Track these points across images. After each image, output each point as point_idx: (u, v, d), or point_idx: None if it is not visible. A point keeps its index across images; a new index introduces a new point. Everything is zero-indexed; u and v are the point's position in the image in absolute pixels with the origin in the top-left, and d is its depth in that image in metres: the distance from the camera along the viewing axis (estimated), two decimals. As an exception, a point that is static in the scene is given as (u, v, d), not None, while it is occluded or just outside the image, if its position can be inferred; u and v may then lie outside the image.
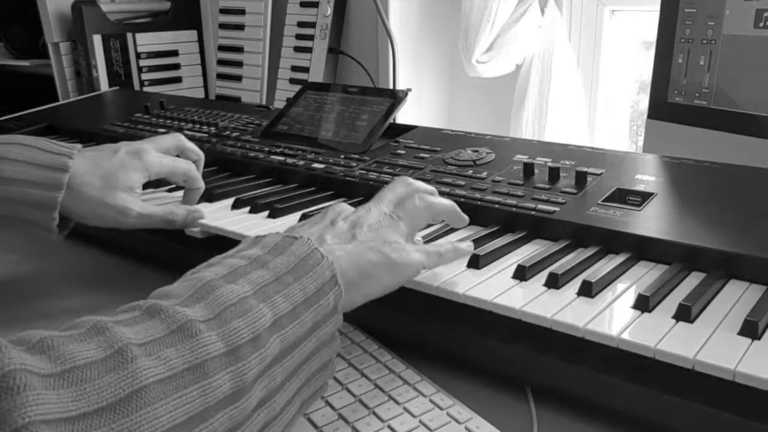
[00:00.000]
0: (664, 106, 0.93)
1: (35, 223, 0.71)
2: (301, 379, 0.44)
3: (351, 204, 0.58)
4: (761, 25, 0.82)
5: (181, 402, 0.34)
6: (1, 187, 0.69)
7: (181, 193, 0.82)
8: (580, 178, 0.72)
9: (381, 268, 0.51)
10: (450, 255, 0.59)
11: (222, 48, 1.62)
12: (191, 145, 0.82)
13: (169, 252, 0.81)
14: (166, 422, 0.33)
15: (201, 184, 0.80)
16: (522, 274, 0.59)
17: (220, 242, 0.73)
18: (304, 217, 0.74)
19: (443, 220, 0.66)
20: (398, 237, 0.55)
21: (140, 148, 0.76)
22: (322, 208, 0.77)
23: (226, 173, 0.94)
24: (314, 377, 0.46)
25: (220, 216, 0.77)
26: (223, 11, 1.62)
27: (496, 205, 0.70)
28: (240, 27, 1.58)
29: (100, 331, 0.35)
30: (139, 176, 0.74)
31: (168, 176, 0.78)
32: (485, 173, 0.78)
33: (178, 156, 0.80)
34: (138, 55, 1.65)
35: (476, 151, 0.84)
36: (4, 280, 0.82)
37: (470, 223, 0.72)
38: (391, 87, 1.39)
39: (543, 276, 0.58)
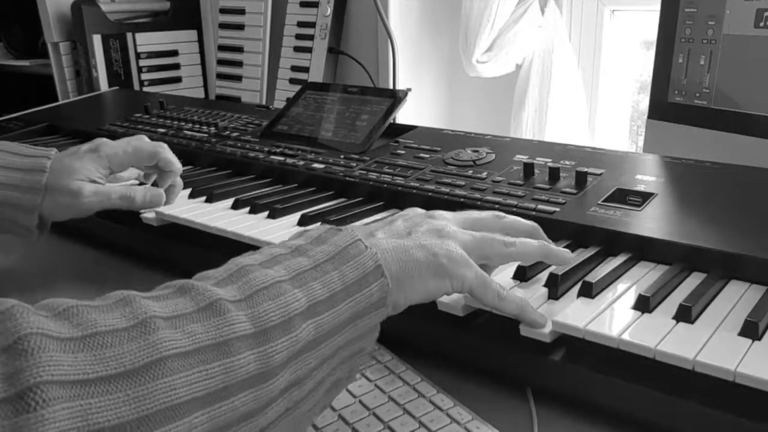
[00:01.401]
0: (665, 106, 0.93)
1: (17, 223, 0.73)
2: (332, 365, 0.42)
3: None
4: (761, 24, 0.82)
5: (201, 377, 0.34)
6: None
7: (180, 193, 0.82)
8: (581, 179, 0.72)
9: (427, 269, 0.47)
10: (512, 305, 0.52)
11: (222, 48, 1.62)
12: (168, 156, 0.80)
13: (168, 252, 0.81)
14: (183, 394, 0.33)
15: (175, 165, 0.80)
16: (522, 275, 0.59)
17: (222, 242, 0.73)
18: (303, 217, 0.74)
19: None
20: (459, 248, 0.50)
21: (100, 143, 0.78)
22: (322, 208, 0.77)
23: (226, 173, 0.94)
24: (347, 362, 0.44)
25: (219, 216, 0.77)
26: (223, 11, 1.61)
27: (496, 206, 0.70)
28: (240, 27, 1.58)
29: (127, 302, 0.36)
30: (96, 166, 0.75)
31: (136, 163, 0.79)
32: (485, 173, 0.78)
33: (155, 164, 0.80)
34: (138, 55, 1.65)
35: (476, 151, 0.84)
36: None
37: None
38: (391, 87, 1.39)
39: (543, 277, 0.58)
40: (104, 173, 0.76)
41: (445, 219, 0.53)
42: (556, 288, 0.56)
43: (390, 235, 0.49)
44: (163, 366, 0.33)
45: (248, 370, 0.36)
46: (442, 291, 0.49)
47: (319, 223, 0.70)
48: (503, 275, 0.60)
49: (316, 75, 1.45)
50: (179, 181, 0.82)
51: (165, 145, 0.80)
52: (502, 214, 0.58)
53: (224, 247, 0.72)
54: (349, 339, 0.43)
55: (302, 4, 1.49)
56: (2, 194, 0.71)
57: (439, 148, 0.87)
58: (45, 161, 0.73)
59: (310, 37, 1.47)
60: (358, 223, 0.52)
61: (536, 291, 0.56)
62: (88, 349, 0.32)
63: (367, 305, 0.43)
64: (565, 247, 0.64)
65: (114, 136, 1.06)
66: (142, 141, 0.79)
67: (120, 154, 0.77)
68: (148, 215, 0.79)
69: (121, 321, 0.34)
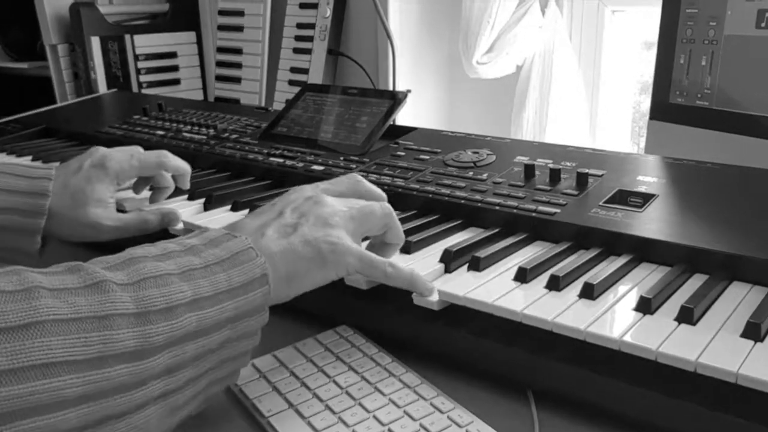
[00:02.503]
0: (666, 106, 0.92)
1: (19, 249, 0.71)
2: (212, 362, 0.45)
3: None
4: (763, 25, 0.82)
5: (78, 343, 0.37)
6: None
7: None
8: (582, 180, 0.72)
9: (312, 263, 0.52)
10: (400, 280, 0.56)
11: (221, 50, 1.62)
12: (176, 163, 0.80)
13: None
14: (59, 355, 0.36)
15: (184, 167, 0.80)
16: (523, 276, 0.58)
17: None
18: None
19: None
20: (343, 233, 0.54)
21: (104, 156, 0.75)
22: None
23: (225, 175, 0.94)
24: (227, 363, 0.47)
25: (218, 219, 0.76)
26: (222, 13, 1.61)
27: (497, 207, 0.70)
28: (239, 28, 1.58)
29: (16, 272, 0.39)
30: (106, 187, 0.74)
31: (140, 174, 0.78)
32: (486, 175, 0.78)
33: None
34: (136, 57, 1.65)
35: (476, 153, 0.83)
36: None
37: (471, 225, 0.72)
38: (390, 88, 1.39)
39: (544, 278, 0.58)
40: (113, 191, 0.75)
41: (331, 205, 0.56)
42: (557, 290, 0.56)
43: (279, 232, 0.52)
44: (41, 328, 0.36)
45: (126, 346, 0.39)
46: (329, 279, 0.53)
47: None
48: (504, 277, 0.59)
49: (316, 76, 1.45)
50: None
51: (167, 152, 0.79)
52: (358, 177, 0.62)
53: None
54: (229, 338, 0.46)
55: (302, 6, 1.49)
56: (3, 218, 0.69)
57: (439, 150, 0.87)
58: (47, 183, 0.71)
59: (310, 39, 1.47)
60: (250, 217, 0.55)
61: (537, 293, 0.56)
62: None
63: (249, 309, 0.47)
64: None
65: (112, 139, 1.06)
66: (143, 152, 0.78)
67: (127, 168, 0.76)
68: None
69: (7, 285, 0.37)
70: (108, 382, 0.38)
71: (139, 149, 0.79)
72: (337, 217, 0.55)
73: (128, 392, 0.39)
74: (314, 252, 0.52)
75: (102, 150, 0.77)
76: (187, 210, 0.79)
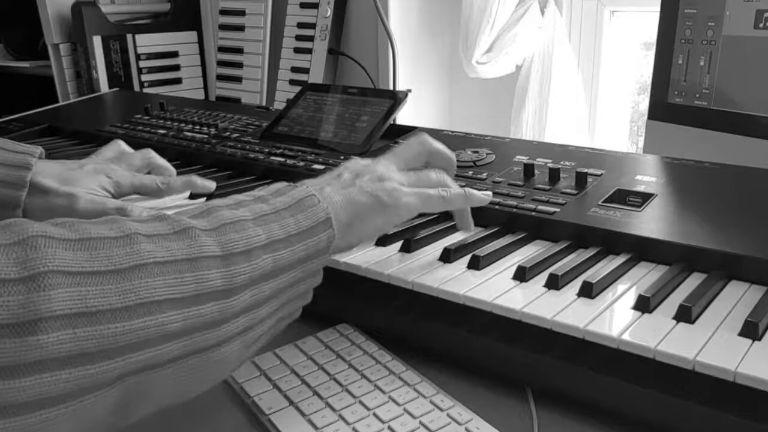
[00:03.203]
0: (665, 106, 0.93)
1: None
2: (282, 300, 0.48)
3: None
4: (761, 25, 0.82)
5: (176, 282, 0.40)
6: None
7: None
8: (581, 179, 0.72)
9: (372, 209, 0.55)
10: (458, 200, 0.62)
11: (222, 49, 1.62)
12: (162, 162, 0.85)
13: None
14: (162, 293, 0.39)
15: (169, 170, 0.84)
16: (522, 275, 0.59)
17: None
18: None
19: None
20: (396, 184, 0.58)
21: (109, 168, 0.79)
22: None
23: (226, 174, 0.94)
24: (294, 300, 0.50)
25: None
26: (223, 12, 1.62)
27: (497, 206, 0.70)
28: (240, 28, 1.58)
29: (114, 221, 0.41)
30: (98, 187, 0.76)
31: (136, 191, 0.81)
32: (485, 174, 0.78)
33: (149, 173, 0.83)
34: (138, 57, 1.65)
35: (476, 152, 0.84)
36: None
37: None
38: (391, 88, 1.39)
39: (543, 277, 0.58)
40: (103, 194, 0.76)
41: (386, 165, 0.60)
42: (557, 289, 0.56)
43: (338, 187, 0.56)
44: (144, 270, 0.39)
45: (214, 285, 0.42)
46: (391, 224, 0.58)
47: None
48: (503, 276, 0.60)
49: (316, 76, 1.45)
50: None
51: (165, 180, 0.82)
52: (426, 138, 0.66)
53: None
54: (299, 278, 0.49)
55: (302, 5, 1.49)
56: None
57: (439, 149, 0.87)
58: (30, 158, 0.73)
59: (310, 38, 1.47)
60: (309, 179, 0.58)
61: (536, 291, 0.56)
62: (85, 249, 0.38)
63: (316, 250, 0.50)
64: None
65: (114, 138, 1.06)
66: (143, 176, 0.82)
67: (128, 185, 0.79)
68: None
69: (110, 232, 0.40)
70: (201, 319, 0.41)
71: (151, 153, 0.83)
72: (391, 169, 0.60)
73: (216, 328, 0.42)
74: (372, 199, 0.55)
75: (107, 160, 0.81)
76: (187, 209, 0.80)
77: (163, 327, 0.39)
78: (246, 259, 0.44)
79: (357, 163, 0.60)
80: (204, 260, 0.42)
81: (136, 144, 0.88)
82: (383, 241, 0.67)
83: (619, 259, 0.61)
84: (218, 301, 0.42)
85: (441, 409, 0.51)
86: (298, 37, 1.49)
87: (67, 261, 0.36)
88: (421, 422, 0.49)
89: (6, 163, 0.72)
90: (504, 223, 0.70)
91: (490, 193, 0.65)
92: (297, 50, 1.49)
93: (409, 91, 0.98)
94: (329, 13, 1.44)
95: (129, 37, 1.63)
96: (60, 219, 0.40)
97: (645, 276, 0.59)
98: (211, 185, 0.83)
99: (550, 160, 0.79)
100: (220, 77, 1.63)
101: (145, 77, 1.66)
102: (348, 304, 0.64)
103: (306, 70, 1.47)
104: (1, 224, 0.37)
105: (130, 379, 0.38)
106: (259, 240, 0.46)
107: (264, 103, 1.54)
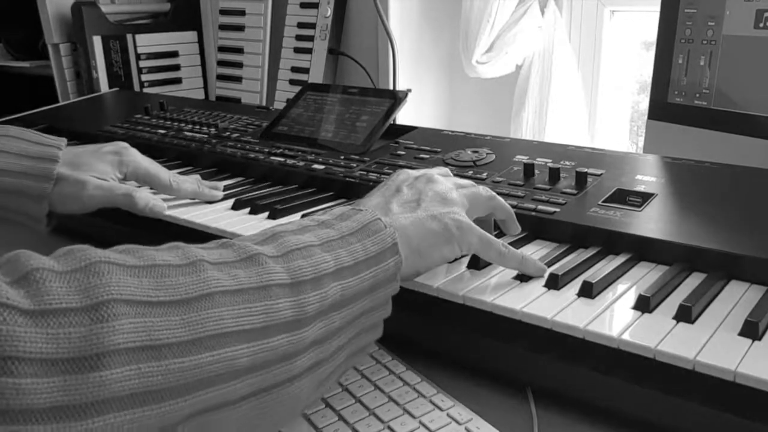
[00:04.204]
0: (665, 106, 0.93)
1: (27, 213, 0.73)
2: (352, 332, 0.46)
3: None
4: (761, 25, 0.82)
5: (245, 313, 0.38)
6: None
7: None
8: (581, 179, 0.72)
9: (440, 238, 0.53)
10: (512, 261, 0.57)
11: (222, 49, 1.62)
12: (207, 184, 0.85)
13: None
14: (231, 325, 0.37)
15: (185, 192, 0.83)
16: (522, 274, 0.59)
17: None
18: (304, 218, 0.74)
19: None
20: (461, 211, 0.56)
21: (123, 147, 0.80)
22: (323, 209, 0.77)
23: (226, 174, 0.94)
24: (364, 334, 0.48)
25: (220, 217, 0.77)
26: (223, 12, 1.61)
27: (497, 206, 0.70)
28: (240, 28, 1.58)
29: (178, 247, 0.40)
30: (111, 168, 0.77)
31: (147, 184, 0.81)
32: (485, 174, 0.78)
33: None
34: (138, 57, 1.65)
35: (476, 152, 0.84)
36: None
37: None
38: (391, 88, 1.39)
39: (543, 277, 0.58)
40: (117, 176, 0.78)
41: (443, 182, 0.58)
42: (557, 289, 0.56)
43: (404, 207, 0.54)
44: (212, 299, 0.37)
45: (285, 316, 0.40)
46: (453, 255, 0.55)
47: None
48: (503, 276, 0.60)
49: (316, 76, 1.45)
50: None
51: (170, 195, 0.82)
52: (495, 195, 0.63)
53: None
54: (368, 307, 0.47)
55: (302, 5, 1.49)
56: (13, 182, 0.71)
57: (439, 149, 0.87)
58: (56, 151, 0.73)
59: (310, 38, 1.47)
60: (366, 196, 0.56)
61: (536, 291, 0.56)
62: (150, 277, 0.36)
63: (385, 277, 0.48)
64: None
65: (114, 138, 1.06)
66: (163, 169, 0.83)
67: (143, 167, 0.80)
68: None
69: (175, 259, 0.38)
70: (272, 352, 0.39)
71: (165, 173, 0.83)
72: (453, 194, 0.57)
73: (287, 362, 0.40)
74: (441, 226, 0.53)
75: (125, 144, 0.82)
76: (188, 208, 0.80)
77: (232, 362, 0.36)
78: (315, 287, 0.42)
79: (410, 175, 0.58)
80: (273, 288, 0.40)
81: (136, 144, 0.88)
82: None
83: (619, 259, 0.61)
84: (288, 333, 0.40)
85: (441, 409, 0.51)
86: (298, 37, 1.49)
87: (131, 289, 0.34)
88: (421, 422, 0.49)
89: (32, 155, 0.72)
90: (504, 223, 0.70)
91: (546, 269, 0.59)
92: (297, 50, 1.49)
93: (409, 90, 0.98)
94: (329, 12, 1.44)
95: (129, 37, 1.63)
96: (123, 246, 0.38)
97: (645, 276, 0.59)
98: (218, 194, 0.83)
99: (550, 160, 0.79)
100: (220, 77, 1.63)
101: (145, 77, 1.66)
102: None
103: (306, 70, 1.47)
104: (63, 250, 0.35)
105: (195, 419, 0.36)
106: (327, 267, 0.44)
107: (264, 103, 1.54)
